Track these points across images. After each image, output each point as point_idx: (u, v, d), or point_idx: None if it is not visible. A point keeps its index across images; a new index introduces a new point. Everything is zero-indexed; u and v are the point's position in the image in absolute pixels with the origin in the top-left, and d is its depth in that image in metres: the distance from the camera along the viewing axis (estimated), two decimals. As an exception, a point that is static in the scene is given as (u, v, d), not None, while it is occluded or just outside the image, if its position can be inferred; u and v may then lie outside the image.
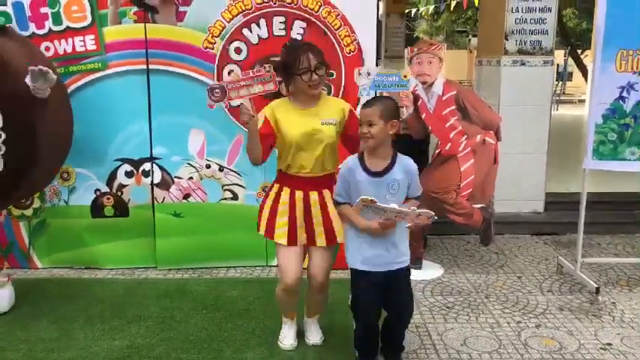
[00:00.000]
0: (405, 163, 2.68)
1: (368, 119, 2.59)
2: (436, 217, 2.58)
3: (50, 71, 3.10)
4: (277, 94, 2.99)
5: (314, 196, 2.87)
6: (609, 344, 3.17)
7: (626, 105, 3.68)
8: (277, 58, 3.83)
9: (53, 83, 3.15)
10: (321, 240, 2.90)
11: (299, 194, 2.87)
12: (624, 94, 3.66)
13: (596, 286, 3.74)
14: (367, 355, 2.90)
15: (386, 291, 2.72)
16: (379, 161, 2.65)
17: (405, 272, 2.75)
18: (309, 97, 2.83)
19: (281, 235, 2.89)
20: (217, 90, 2.71)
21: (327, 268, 2.98)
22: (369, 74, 3.10)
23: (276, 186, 2.94)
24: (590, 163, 3.80)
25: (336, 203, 2.76)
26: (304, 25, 3.93)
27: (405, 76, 3.12)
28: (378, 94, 3.27)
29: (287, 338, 3.12)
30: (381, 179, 2.63)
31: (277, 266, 3.02)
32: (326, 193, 2.90)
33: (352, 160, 2.71)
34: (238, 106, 2.73)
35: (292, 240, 2.89)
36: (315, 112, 2.84)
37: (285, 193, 2.88)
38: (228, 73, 3.96)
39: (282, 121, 2.82)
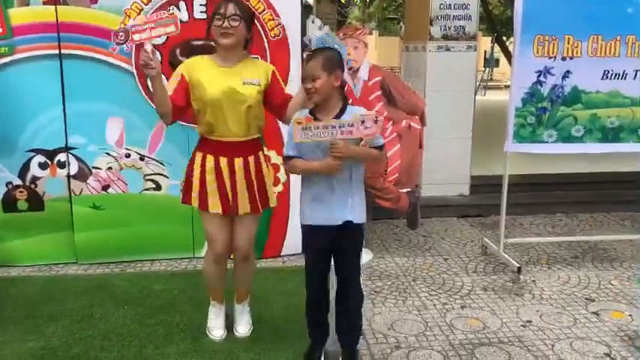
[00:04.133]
0: (358, 110, 2.57)
1: (311, 73, 2.48)
2: (382, 119, 2.46)
3: None
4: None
5: (239, 162, 2.76)
6: (529, 321, 3.28)
7: (543, 89, 3.79)
8: (199, 42, 3.78)
9: None
10: (244, 207, 2.80)
11: (223, 161, 2.75)
12: (541, 78, 3.77)
13: (517, 265, 3.86)
14: (317, 324, 2.78)
15: (336, 249, 2.62)
16: (328, 113, 2.53)
17: (358, 230, 2.64)
18: (225, 49, 2.70)
19: (215, 205, 2.77)
20: (121, 33, 2.56)
21: (251, 237, 2.93)
22: (320, 28, 2.99)
23: (199, 154, 2.79)
24: (511, 146, 3.90)
25: (287, 158, 2.62)
26: (226, 8, 3.81)
27: (348, 54, 3.03)
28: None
29: (216, 328, 3.03)
30: None
31: (206, 235, 2.90)
32: (250, 159, 2.80)
33: (302, 112, 2.59)
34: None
35: (226, 208, 2.77)
36: (236, 70, 2.73)
37: (210, 160, 2.75)
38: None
39: (200, 77, 2.69)
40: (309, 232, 2.66)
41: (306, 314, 2.79)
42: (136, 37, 2.53)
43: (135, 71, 3.82)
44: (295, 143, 2.51)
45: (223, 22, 2.64)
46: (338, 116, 2.52)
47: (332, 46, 2.91)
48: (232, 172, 2.77)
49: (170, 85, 2.71)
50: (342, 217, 2.58)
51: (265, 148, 3.87)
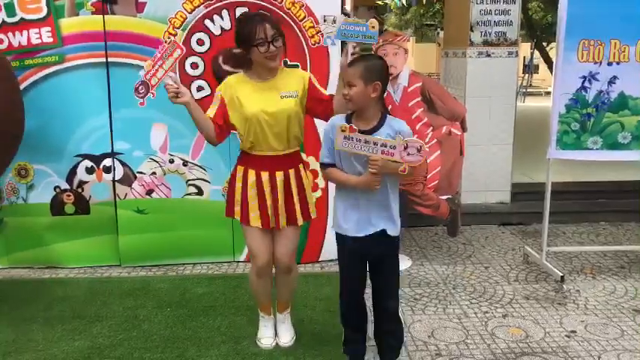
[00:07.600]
0: (396, 123, 2.52)
1: (347, 80, 2.46)
2: (427, 148, 2.38)
3: None
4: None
5: (280, 176, 2.78)
6: (574, 332, 3.20)
7: (588, 95, 3.72)
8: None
9: None
10: (284, 220, 2.83)
11: (265, 175, 2.77)
12: (586, 84, 3.70)
13: (560, 274, 3.78)
14: (355, 329, 2.77)
15: (372, 260, 2.62)
16: (366, 123, 2.51)
17: (394, 241, 2.63)
18: (267, 70, 2.74)
19: (255, 220, 2.79)
20: (141, 88, 2.68)
21: (292, 250, 2.94)
22: (334, 21, 2.95)
23: (241, 168, 2.82)
24: (554, 153, 3.83)
25: (323, 166, 2.61)
26: (268, 16, 3.87)
27: (372, 27, 2.99)
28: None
29: (265, 337, 3.04)
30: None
31: (248, 248, 2.94)
32: (291, 172, 2.81)
33: (338, 117, 2.59)
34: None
35: (266, 223, 2.80)
36: (273, 85, 2.74)
37: (251, 175, 2.78)
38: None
39: (238, 96, 2.72)
40: (343, 241, 2.62)
41: (342, 318, 2.78)
42: (154, 81, 2.66)
43: (179, 78, 3.90)
44: (332, 150, 2.50)
45: (268, 46, 2.64)
46: (376, 127, 2.49)
47: (354, 32, 2.82)
48: (274, 186, 2.78)
49: (212, 107, 2.79)
50: (378, 226, 2.55)
51: (304, 155, 3.94)
